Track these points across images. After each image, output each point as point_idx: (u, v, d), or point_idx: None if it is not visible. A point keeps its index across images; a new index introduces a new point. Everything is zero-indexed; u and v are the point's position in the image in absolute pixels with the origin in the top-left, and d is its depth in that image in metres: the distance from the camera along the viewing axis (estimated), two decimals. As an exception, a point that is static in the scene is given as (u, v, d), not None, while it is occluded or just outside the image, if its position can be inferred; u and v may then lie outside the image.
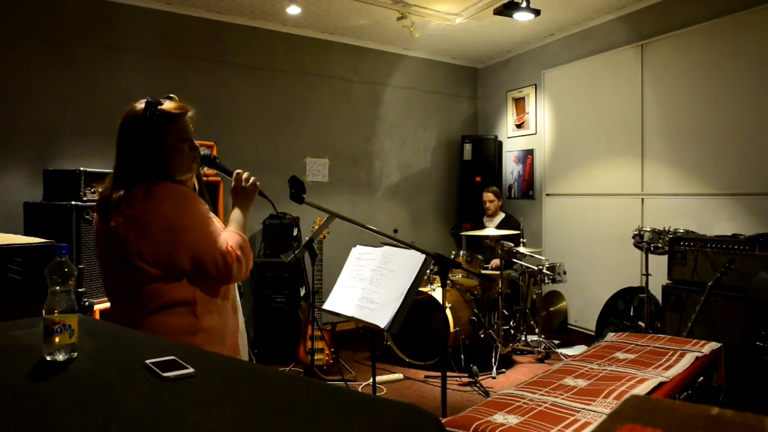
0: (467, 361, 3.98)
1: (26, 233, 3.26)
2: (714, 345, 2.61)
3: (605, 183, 4.92)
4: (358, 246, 2.87)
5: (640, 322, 4.02)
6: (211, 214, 1.60)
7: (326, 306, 2.71)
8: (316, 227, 3.96)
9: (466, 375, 3.89)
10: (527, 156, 5.86)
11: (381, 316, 2.37)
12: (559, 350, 4.44)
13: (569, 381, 2.15)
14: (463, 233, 5.17)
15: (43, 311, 0.93)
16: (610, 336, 2.95)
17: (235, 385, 0.88)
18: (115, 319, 1.52)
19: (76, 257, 3.10)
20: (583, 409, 1.84)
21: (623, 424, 0.52)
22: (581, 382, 2.13)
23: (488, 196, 5.13)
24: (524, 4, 4.29)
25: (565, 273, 4.56)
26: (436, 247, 4.67)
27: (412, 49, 5.98)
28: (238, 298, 1.74)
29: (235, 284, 1.71)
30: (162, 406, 0.77)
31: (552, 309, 5.25)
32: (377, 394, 3.37)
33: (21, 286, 1.86)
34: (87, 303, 3.05)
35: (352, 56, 5.65)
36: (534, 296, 4.70)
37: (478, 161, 6.05)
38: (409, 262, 2.49)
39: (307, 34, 5.34)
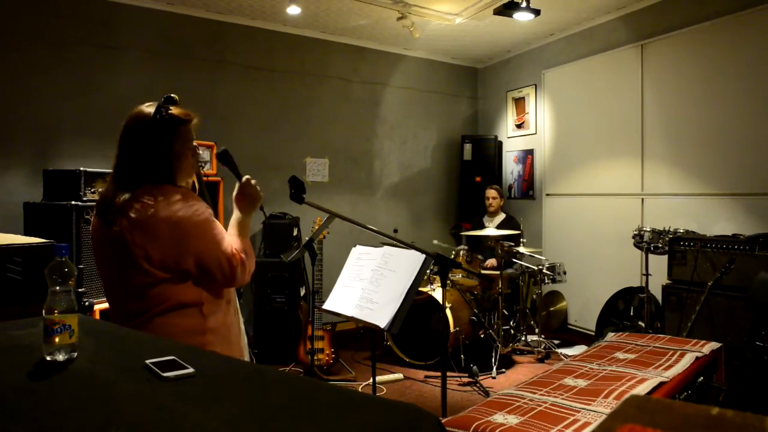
0: (467, 361, 3.98)
1: (26, 233, 3.26)
2: (714, 345, 2.61)
3: (605, 183, 4.92)
4: (358, 246, 2.87)
5: (640, 322, 4.02)
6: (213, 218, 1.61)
7: (326, 306, 2.71)
8: (316, 227, 3.96)
9: (466, 375, 3.89)
10: (527, 156, 5.85)
11: (381, 316, 2.37)
12: (559, 350, 4.44)
13: (569, 381, 2.15)
14: (463, 233, 5.17)
15: (43, 311, 0.93)
16: (610, 336, 2.95)
17: (235, 385, 0.88)
18: (118, 321, 1.52)
19: (76, 257, 3.11)
20: (583, 409, 1.84)
21: (623, 424, 0.52)
22: (581, 382, 2.13)
23: (491, 192, 5.12)
24: (524, 4, 4.29)
25: (565, 273, 4.55)
26: (435, 247, 4.67)
27: (412, 49, 5.97)
28: (237, 300, 1.75)
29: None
30: (162, 406, 0.77)
31: (552, 309, 5.25)
32: (377, 394, 3.37)
33: (21, 286, 1.87)
34: (87, 303, 3.06)
35: (352, 56, 5.65)
36: (534, 296, 4.70)
37: (478, 161, 6.05)
38: (409, 262, 2.49)
39: (307, 34, 5.34)
